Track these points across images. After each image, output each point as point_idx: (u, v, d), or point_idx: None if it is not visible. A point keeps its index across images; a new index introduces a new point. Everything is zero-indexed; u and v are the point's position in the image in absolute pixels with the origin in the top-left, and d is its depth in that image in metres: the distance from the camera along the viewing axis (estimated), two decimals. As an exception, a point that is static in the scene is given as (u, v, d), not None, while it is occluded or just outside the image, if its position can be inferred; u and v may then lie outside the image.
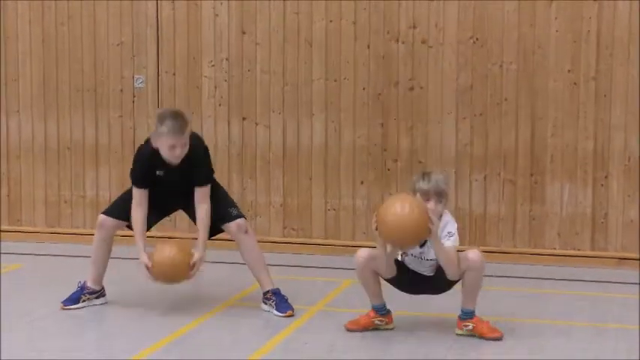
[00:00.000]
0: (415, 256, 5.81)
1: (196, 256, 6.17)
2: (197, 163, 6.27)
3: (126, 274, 6.89)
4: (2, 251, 8.22)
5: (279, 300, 6.34)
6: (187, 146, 6.17)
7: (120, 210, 6.42)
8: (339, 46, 8.25)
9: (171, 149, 6.13)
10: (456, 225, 5.81)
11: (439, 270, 5.78)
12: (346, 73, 8.25)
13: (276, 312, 6.30)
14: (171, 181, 6.28)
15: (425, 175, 5.77)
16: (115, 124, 8.71)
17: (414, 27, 8.09)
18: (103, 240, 6.47)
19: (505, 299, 6.88)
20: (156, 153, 6.22)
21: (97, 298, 6.53)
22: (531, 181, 8.02)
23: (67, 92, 8.78)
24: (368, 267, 5.83)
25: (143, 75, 8.60)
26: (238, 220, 6.39)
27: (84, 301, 6.48)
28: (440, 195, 5.70)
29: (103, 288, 6.57)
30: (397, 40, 8.12)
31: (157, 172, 6.27)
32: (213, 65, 8.47)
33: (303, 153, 8.38)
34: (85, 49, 8.72)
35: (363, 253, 5.84)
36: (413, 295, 6.04)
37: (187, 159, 6.21)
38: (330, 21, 8.24)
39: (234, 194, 8.29)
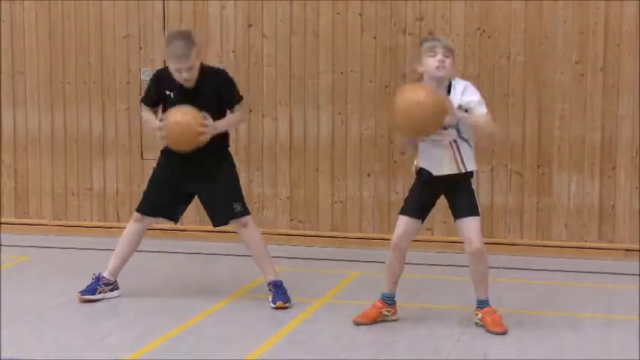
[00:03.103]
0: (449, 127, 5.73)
1: (208, 122, 6.16)
2: (219, 88, 6.31)
3: (136, 266, 6.89)
4: (10, 244, 8.24)
5: (275, 291, 6.37)
6: (195, 70, 6.19)
7: (154, 206, 6.48)
8: (346, 38, 8.24)
9: (177, 72, 6.20)
10: (476, 90, 5.77)
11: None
12: (353, 65, 8.24)
13: (270, 303, 6.33)
14: (181, 104, 6.28)
15: (428, 37, 5.93)
16: (121, 116, 8.71)
17: (421, 19, 8.07)
18: (136, 233, 6.51)
19: (512, 291, 6.87)
20: (170, 73, 6.29)
21: (111, 290, 6.55)
22: (538, 172, 8.01)
23: (74, 84, 8.79)
24: (404, 247, 5.85)
25: (150, 68, 8.59)
26: (239, 219, 6.41)
27: (100, 292, 6.50)
28: (447, 49, 5.67)
29: (116, 281, 6.58)
30: (404, 32, 8.11)
31: (167, 92, 6.31)
32: (219, 57, 8.46)
33: (310, 145, 8.38)
34: (91, 42, 8.72)
35: (399, 229, 5.85)
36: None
37: (202, 82, 6.25)
38: (337, 13, 8.23)
39: (242, 186, 8.29)
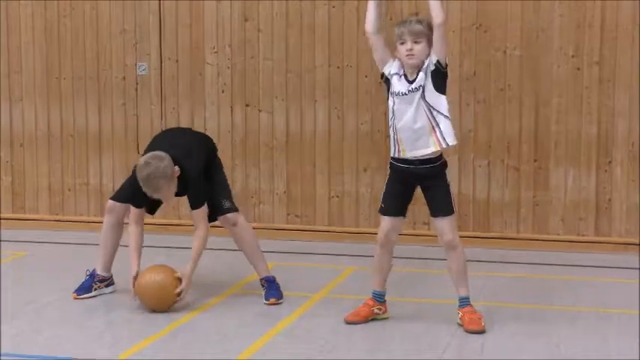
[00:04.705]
0: (405, 94, 5.60)
1: (182, 285, 6.12)
2: (186, 189, 6.19)
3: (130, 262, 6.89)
4: (7, 239, 8.23)
5: (268, 287, 6.38)
6: (170, 193, 6.09)
7: (128, 194, 6.36)
8: (342, 32, 8.23)
9: (155, 198, 6.14)
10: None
11: (433, 171, 5.69)
12: (349, 60, 8.23)
13: (264, 299, 6.33)
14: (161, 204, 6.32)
15: (401, 21, 5.71)
16: (118, 111, 8.71)
17: (417, 13, 8.04)
18: (113, 225, 6.46)
19: (509, 285, 6.87)
20: None
21: (106, 286, 6.54)
22: (535, 167, 8.01)
23: (70, 80, 8.78)
24: (391, 241, 5.80)
25: (146, 62, 8.59)
26: (227, 215, 6.38)
27: (95, 289, 6.48)
28: (416, 35, 5.58)
29: (111, 275, 6.57)
30: (400, 26, 8.10)
31: (147, 196, 6.19)
32: (215, 52, 8.46)
33: (306, 140, 8.38)
34: (87, 37, 8.71)
35: (383, 231, 5.80)
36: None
37: (179, 190, 6.17)
38: (333, 7, 8.22)
39: (238, 181, 8.32)
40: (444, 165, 5.76)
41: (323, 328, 5.81)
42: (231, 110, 8.48)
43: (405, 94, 5.62)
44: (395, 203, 5.82)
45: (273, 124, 8.42)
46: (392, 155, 5.76)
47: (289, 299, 6.37)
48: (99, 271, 6.51)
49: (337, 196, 8.37)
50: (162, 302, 6.12)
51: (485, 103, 8.04)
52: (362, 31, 8.11)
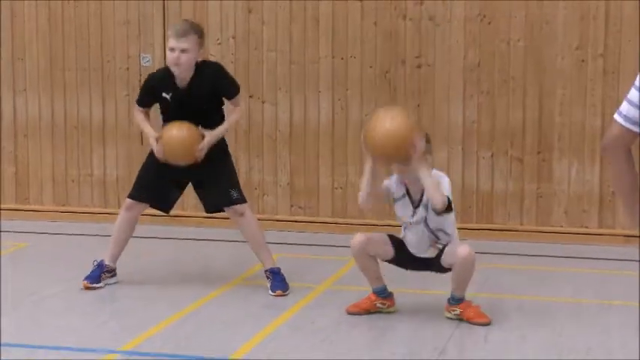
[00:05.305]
0: (415, 223, 5.67)
1: (204, 142, 6.23)
2: (213, 82, 6.29)
3: (133, 253, 6.89)
4: (10, 230, 8.25)
5: (273, 279, 6.38)
6: (189, 56, 6.16)
7: (146, 192, 6.42)
8: (346, 23, 8.22)
9: (171, 52, 6.18)
10: (447, 181, 5.63)
11: (440, 253, 5.73)
12: (353, 51, 8.22)
13: (269, 291, 6.33)
14: (178, 105, 6.30)
15: None
16: (121, 102, 8.71)
17: (421, 4, 8.05)
18: (129, 220, 6.48)
19: (511, 277, 6.88)
20: (167, 75, 6.28)
21: (111, 277, 6.55)
22: (539, 158, 8.00)
23: (74, 71, 8.78)
24: (364, 251, 5.80)
25: (150, 53, 8.59)
26: (234, 206, 6.40)
27: (102, 279, 6.49)
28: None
29: (116, 267, 6.58)
30: (404, 17, 8.09)
31: (164, 94, 6.30)
32: (219, 43, 8.45)
33: (310, 131, 8.37)
34: (91, 28, 8.70)
35: (358, 238, 5.80)
36: (415, 272, 5.98)
37: (197, 81, 6.23)
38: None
39: (241, 173, 8.30)
40: None
41: (327, 319, 5.81)
42: (235, 101, 8.46)
43: (410, 223, 5.72)
44: (399, 242, 5.83)
45: (277, 115, 8.42)
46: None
47: (293, 290, 6.37)
48: (107, 262, 6.51)
49: (341, 188, 8.37)
50: (184, 155, 6.21)
51: (489, 94, 8.04)
52: (366, 22, 8.16)
